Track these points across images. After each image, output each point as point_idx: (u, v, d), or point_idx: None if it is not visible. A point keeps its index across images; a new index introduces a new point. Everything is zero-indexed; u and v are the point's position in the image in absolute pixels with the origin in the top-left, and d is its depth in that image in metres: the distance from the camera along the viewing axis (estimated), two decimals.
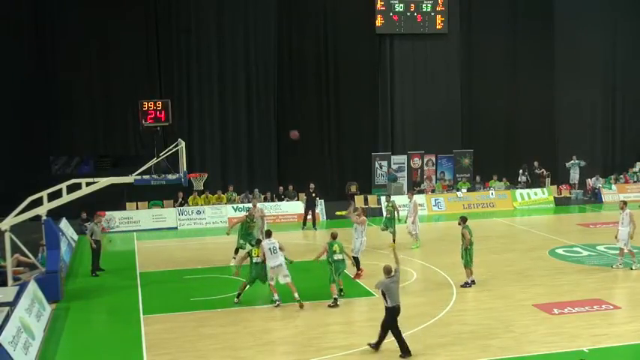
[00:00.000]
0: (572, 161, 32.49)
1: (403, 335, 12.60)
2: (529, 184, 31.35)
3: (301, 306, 15.62)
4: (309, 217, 26.61)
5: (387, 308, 12.71)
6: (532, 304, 15.38)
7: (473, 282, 17.18)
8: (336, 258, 16.30)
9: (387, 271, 12.92)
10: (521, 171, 31.79)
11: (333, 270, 16.19)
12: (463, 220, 17.38)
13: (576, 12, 34.28)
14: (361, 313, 15.34)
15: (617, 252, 19.05)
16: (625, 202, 19.21)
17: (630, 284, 17.33)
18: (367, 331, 13.98)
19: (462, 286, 16.98)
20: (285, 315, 15.30)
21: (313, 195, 26.82)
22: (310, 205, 26.63)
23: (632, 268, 18.57)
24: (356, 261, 18.20)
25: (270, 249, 16.01)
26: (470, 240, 17.12)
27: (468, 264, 17.21)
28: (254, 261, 16.21)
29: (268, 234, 16.63)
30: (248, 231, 20.21)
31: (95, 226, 19.76)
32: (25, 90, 28.77)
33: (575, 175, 32.49)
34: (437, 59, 33.44)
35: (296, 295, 15.83)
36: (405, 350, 12.51)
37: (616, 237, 19.01)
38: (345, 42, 32.51)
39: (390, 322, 12.65)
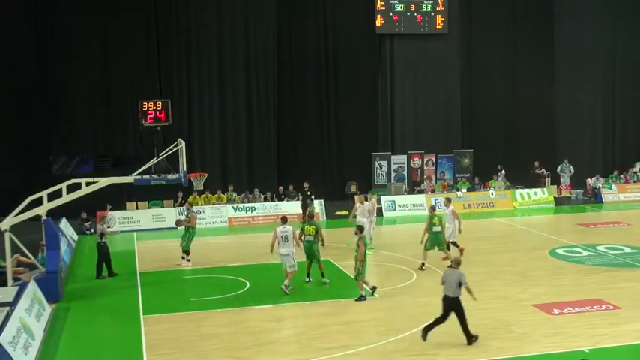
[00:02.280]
0: (563, 165, 32.51)
1: (460, 323, 12.99)
2: (504, 185, 31.30)
3: (285, 292, 16.59)
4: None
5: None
6: (532, 304, 15.38)
7: (364, 297, 16.16)
8: (434, 230, 18.77)
9: (456, 262, 13.26)
10: (499, 167, 31.91)
11: (430, 240, 18.74)
12: (360, 229, 16.57)
13: (576, 12, 34.31)
14: (361, 313, 15.33)
15: None
16: None
17: (630, 284, 17.32)
18: (367, 331, 14.01)
19: (356, 300, 16.04)
20: (285, 315, 15.31)
21: (308, 194, 26.90)
22: (306, 204, 26.69)
23: None
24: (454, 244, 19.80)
25: (281, 236, 16.89)
26: (364, 252, 16.04)
27: (361, 276, 16.13)
28: (305, 238, 17.31)
29: (284, 220, 17.54)
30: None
31: (106, 228, 19.62)
32: (25, 90, 28.78)
33: (564, 181, 32.50)
34: (437, 59, 33.41)
35: (286, 282, 16.73)
36: (427, 328, 13.07)
37: None
38: (345, 42, 32.52)
39: (443, 308, 13.10)
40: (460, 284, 12.87)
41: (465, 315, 12.96)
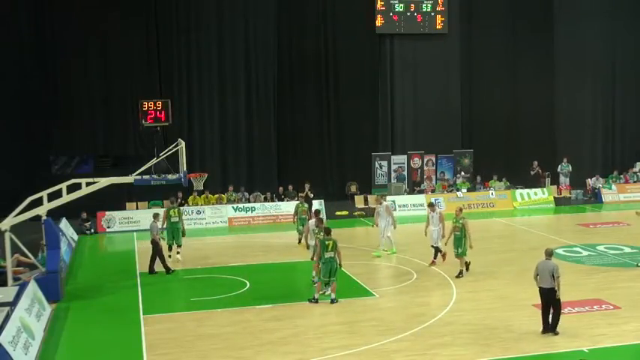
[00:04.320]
0: (563, 164, 32.50)
1: (552, 315, 13.38)
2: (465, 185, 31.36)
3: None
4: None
5: None
6: (532, 304, 15.33)
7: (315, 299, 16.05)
8: (456, 234, 18.36)
9: (548, 253, 13.57)
10: (458, 168, 32.10)
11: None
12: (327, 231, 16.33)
13: (576, 12, 34.31)
14: (361, 313, 15.33)
15: None
16: None
17: (630, 284, 17.32)
18: (367, 331, 14.01)
19: (309, 301, 16.03)
20: (285, 315, 15.30)
21: (310, 194, 26.92)
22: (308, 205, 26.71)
23: (637, 265, 18.64)
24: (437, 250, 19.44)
25: (312, 230, 17.81)
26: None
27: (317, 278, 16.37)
28: (326, 256, 15.94)
29: (316, 213, 18.92)
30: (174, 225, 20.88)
31: (158, 225, 19.72)
32: (25, 90, 28.78)
33: (565, 179, 32.46)
34: (437, 59, 33.40)
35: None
36: (546, 328, 13.42)
37: None
38: (345, 42, 32.51)
39: (541, 301, 13.45)
40: (553, 276, 13.17)
41: (560, 309, 13.36)
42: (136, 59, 30.30)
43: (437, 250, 19.43)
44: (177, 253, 20.94)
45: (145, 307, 16.09)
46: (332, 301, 15.87)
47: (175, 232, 20.82)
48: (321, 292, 16.06)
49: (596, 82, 35.37)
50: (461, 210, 18.80)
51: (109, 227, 26.56)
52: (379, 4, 32.28)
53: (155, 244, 19.27)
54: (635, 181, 32.60)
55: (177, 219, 20.92)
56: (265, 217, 27.73)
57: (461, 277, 17.89)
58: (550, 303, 13.34)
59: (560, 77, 34.68)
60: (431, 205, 20.48)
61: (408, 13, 32.64)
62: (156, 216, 20.02)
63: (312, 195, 27.09)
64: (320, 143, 33.03)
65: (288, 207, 27.81)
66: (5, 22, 28.56)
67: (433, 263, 19.31)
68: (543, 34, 34.31)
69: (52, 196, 17.50)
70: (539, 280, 13.45)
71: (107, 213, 26.65)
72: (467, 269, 18.29)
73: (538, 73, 34.31)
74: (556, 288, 13.23)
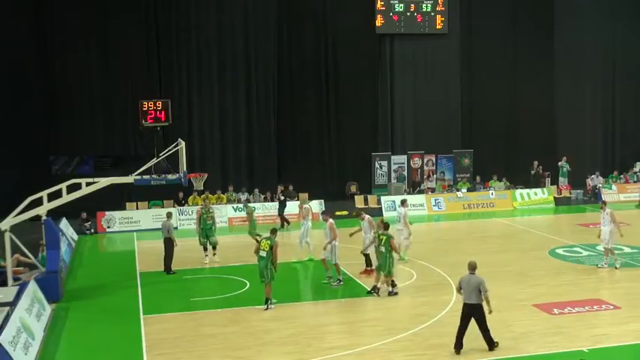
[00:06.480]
0: (562, 162, 32.47)
1: (482, 334, 12.55)
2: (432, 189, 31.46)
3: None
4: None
5: None
6: (532, 304, 15.37)
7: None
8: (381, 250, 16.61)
9: (471, 267, 12.57)
10: (430, 172, 32.49)
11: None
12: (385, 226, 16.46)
13: (576, 11, 34.35)
14: (361, 313, 15.35)
15: (603, 252, 19.17)
16: (605, 203, 19.58)
17: (630, 284, 17.32)
18: (367, 331, 14.01)
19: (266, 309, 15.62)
20: (285, 315, 15.29)
21: (282, 198, 27.14)
22: (283, 207, 26.86)
23: (616, 267, 18.67)
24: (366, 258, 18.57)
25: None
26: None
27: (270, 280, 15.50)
28: (260, 254, 15.51)
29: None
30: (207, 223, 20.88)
31: (172, 224, 19.81)
32: (25, 90, 28.77)
33: (563, 180, 32.41)
34: (437, 59, 33.43)
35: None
36: (457, 344, 12.50)
37: (599, 236, 19.11)
38: (345, 42, 32.53)
39: (461, 317, 12.55)
40: (480, 291, 12.33)
41: (487, 323, 12.52)
42: (136, 59, 30.33)
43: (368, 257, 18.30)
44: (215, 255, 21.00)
45: (145, 307, 16.09)
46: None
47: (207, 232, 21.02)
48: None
49: (596, 82, 35.38)
50: (386, 226, 16.77)
51: (109, 227, 26.58)
52: (379, 4, 32.29)
53: (169, 243, 19.28)
54: (635, 181, 32.60)
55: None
56: (265, 217, 27.72)
57: (373, 295, 16.41)
58: (475, 319, 12.43)
59: (560, 77, 34.69)
60: (359, 214, 19.18)
61: (408, 13, 32.64)
62: (169, 215, 20.10)
63: (283, 198, 27.19)
64: (320, 143, 33.04)
65: (287, 207, 27.79)
66: (5, 22, 28.53)
67: (366, 272, 18.17)
68: (543, 34, 34.32)
69: (52, 196, 17.50)
70: (463, 295, 12.52)
71: (107, 213, 26.66)
72: (392, 287, 16.63)
73: (538, 73, 34.30)
74: (484, 304, 12.41)
